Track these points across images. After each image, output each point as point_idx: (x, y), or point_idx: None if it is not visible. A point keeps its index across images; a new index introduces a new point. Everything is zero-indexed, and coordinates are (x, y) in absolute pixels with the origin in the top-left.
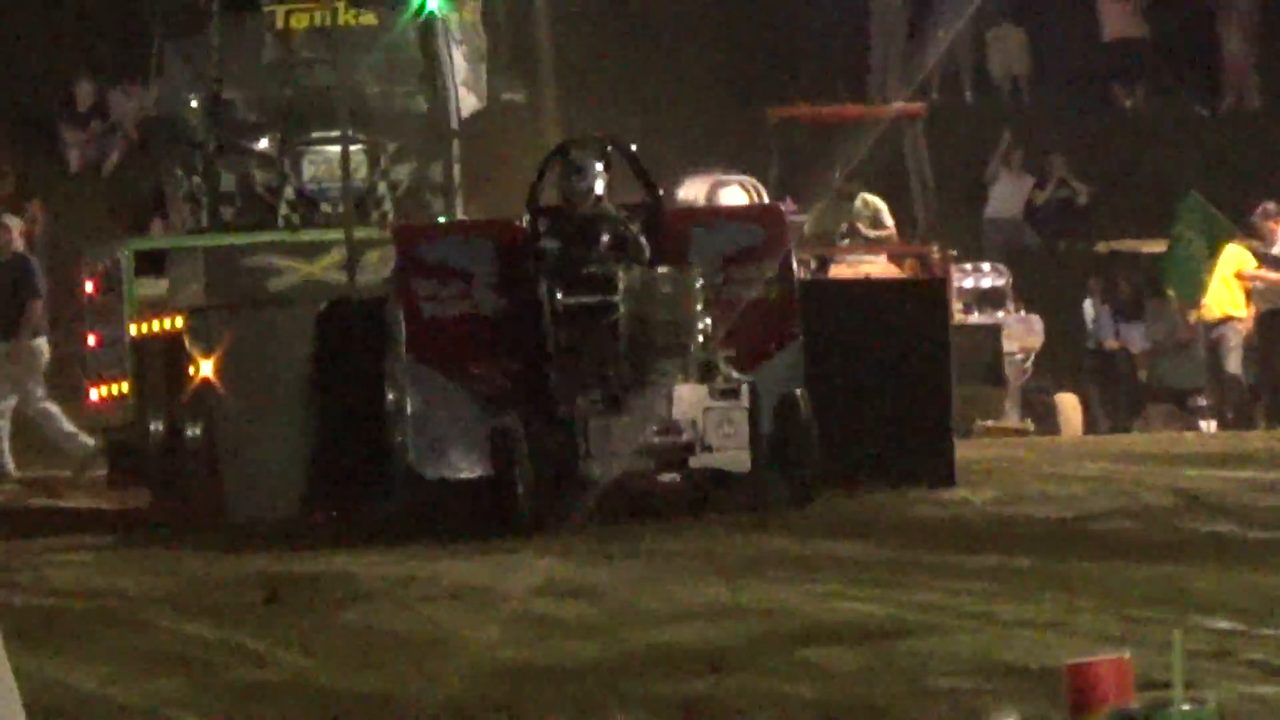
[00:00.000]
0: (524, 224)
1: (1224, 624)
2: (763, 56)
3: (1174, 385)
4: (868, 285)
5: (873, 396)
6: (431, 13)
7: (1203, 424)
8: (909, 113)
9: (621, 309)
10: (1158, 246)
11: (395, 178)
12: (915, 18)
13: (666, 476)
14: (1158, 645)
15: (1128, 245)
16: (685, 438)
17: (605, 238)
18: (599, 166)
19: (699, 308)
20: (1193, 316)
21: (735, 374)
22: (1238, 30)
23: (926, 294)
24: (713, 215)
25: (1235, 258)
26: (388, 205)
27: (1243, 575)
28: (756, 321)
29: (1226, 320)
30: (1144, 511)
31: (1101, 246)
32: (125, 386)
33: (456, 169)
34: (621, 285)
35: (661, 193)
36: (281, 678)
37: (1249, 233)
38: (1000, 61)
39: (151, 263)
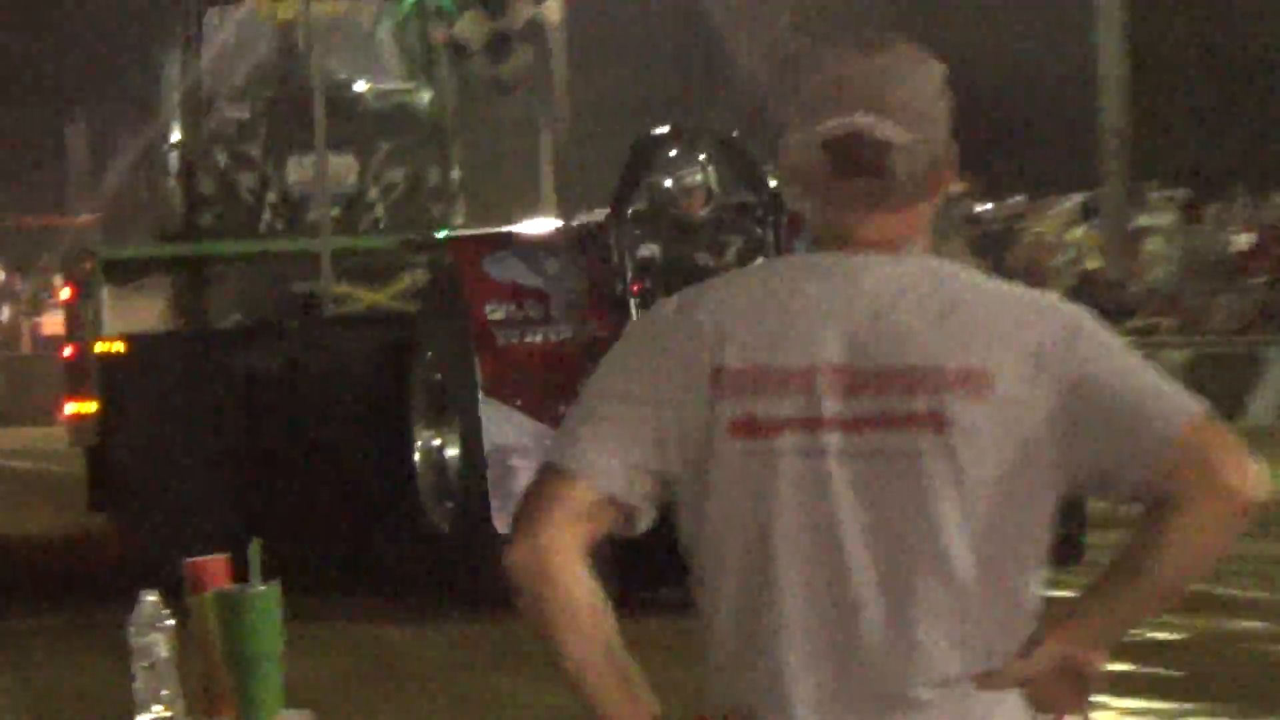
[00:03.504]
0: (611, 231)
1: None
2: None
3: None
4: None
5: None
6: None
7: None
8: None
9: None
10: None
11: (388, 181)
12: None
13: None
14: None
15: None
16: None
17: (720, 246)
18: (703, 160)
19: None
20: None
21: None
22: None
23: None
24: None
25: None
26: (379, 211)
27: None
28: None
29: None
30: None
31: None
32: (94, 405)
33: (455, 171)
34: None
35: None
36: None
37: None
38: None
39: (133, 272)
